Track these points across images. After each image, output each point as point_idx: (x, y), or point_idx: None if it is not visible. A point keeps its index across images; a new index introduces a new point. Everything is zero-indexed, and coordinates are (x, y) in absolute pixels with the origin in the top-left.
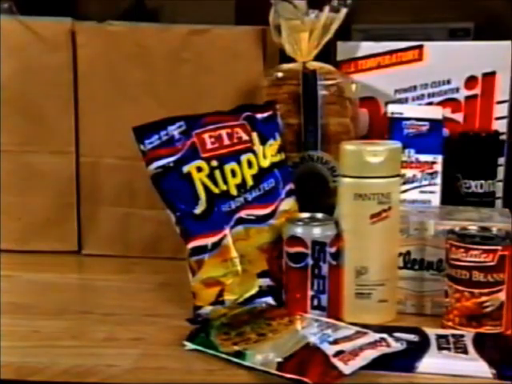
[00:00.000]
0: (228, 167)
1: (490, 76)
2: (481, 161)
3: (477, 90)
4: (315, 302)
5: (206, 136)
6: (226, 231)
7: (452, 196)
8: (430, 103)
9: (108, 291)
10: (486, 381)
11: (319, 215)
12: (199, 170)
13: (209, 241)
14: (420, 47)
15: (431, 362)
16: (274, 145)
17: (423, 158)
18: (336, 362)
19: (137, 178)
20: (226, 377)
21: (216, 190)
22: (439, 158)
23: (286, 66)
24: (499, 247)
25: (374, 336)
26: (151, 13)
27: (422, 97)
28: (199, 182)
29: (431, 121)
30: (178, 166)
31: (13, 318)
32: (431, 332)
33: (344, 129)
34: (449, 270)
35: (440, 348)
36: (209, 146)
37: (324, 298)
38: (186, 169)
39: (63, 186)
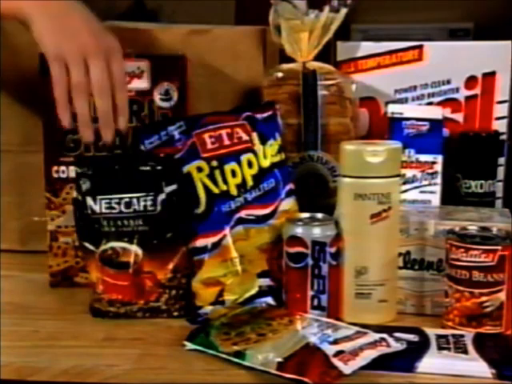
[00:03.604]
0: (228, 167)
1: (489, 76)
2: (481, 161)
3: (477, 90)
4: (315, 302)
5: (206, 136)
6: (226, 231)
7: (452, 196)
8: (430, 103)
9: None
10: (486, 381)
11: (319, 215)
12: (199, 170)
13: (209, 241)
14: (420, 47)
15: (431, 362)
16: (274, 145)
17: (423, 157)
18: (336, 362)
19: None
20: (226, 377)
21: (216, 190)
22: (439, 158)
23: (285, 66)
24: (499, 247)
25: (373, 336)
26: (151, 13)
27: (422, 97)
28: (199, 182)
29: (431, 121)
30: None
31: (13, 318)
32: (431, 332)
33: (344, 129)
34: (449, 270)
35: (440, 348)
36: (209, 145)
37: (324, 298)
38: (186, 169)
39: None
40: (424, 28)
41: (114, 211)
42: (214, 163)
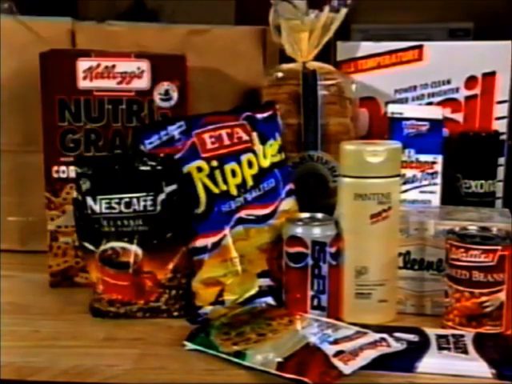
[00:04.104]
0: (228, 167)
1: (489, 76)
2: (481, 161)
3: (477, 90)
4: (315, 302)
5: (206, 136)
6: (226, 231)
7: (452, 196)
8: (430, 103)
9: None
10: (486, 381)
11: (319, 215)
12: (199, 170)
13: (209, 241)
14: (420, 47)
15: (431, 362)
16: (274, 145)
17: (423, 157)
18: (336, 362)
19: None
20: (226, 377)
21: (216, 190)
22: (439, 158)
23: (285, 66)
24: (499, 247)
25: (373, 336)
26: (151, 13)
27: (422, 97)
28: (199, 182)
29: (431, 121)
30: None
31: (13, 318)
32: (431, 332)
33: (344, 129)
34: (449, 270)
35: (440, 348)
36: (209, 146)
37: (324, 298)
38: (186, 169)
39: None
40: (424, 28)
41: (114, 211)
42: (214, 163)
